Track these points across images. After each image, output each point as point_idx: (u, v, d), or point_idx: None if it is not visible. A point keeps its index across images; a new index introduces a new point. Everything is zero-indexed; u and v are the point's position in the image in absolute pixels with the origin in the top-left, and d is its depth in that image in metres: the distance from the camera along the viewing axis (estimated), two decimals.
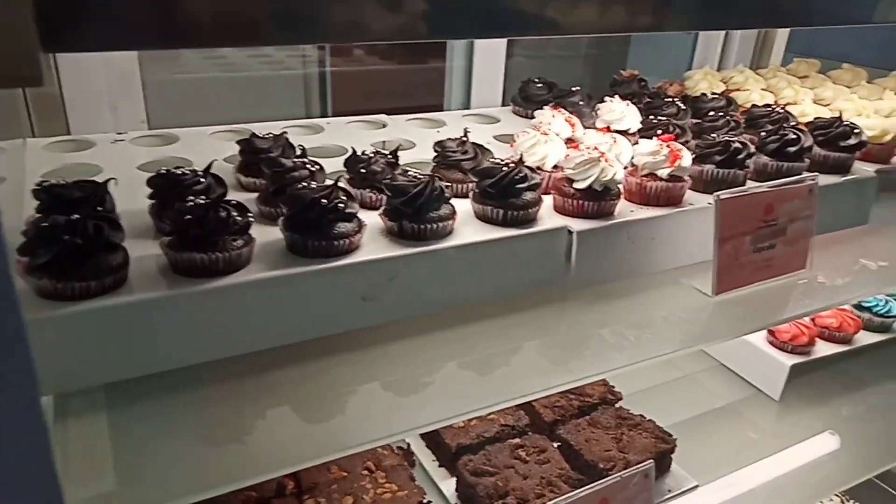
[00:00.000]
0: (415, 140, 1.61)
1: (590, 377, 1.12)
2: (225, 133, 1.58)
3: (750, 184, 1.39)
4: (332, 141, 1.59)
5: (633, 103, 1.69)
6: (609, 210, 1.23)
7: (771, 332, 1.92)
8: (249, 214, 0.98)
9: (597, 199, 1.20)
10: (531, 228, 1.16)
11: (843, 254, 1.55)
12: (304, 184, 1.02)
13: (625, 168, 1.34)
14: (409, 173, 1.11)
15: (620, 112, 1.57)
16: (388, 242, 1.08)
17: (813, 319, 1.99)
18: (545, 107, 1.57)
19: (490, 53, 2.15)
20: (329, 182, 1.05)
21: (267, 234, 1.06)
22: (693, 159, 1.37)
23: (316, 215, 0.99)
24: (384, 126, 1.73)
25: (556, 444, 1.59)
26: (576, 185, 1.20)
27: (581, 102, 1.69)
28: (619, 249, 1.24)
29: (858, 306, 2.04)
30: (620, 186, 1.31)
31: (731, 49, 2.66)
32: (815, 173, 1.29)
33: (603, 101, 1.62)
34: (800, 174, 1.38)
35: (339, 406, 1.00)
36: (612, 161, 1.21)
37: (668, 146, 1.27)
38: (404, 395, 1.04)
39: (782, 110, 1.58)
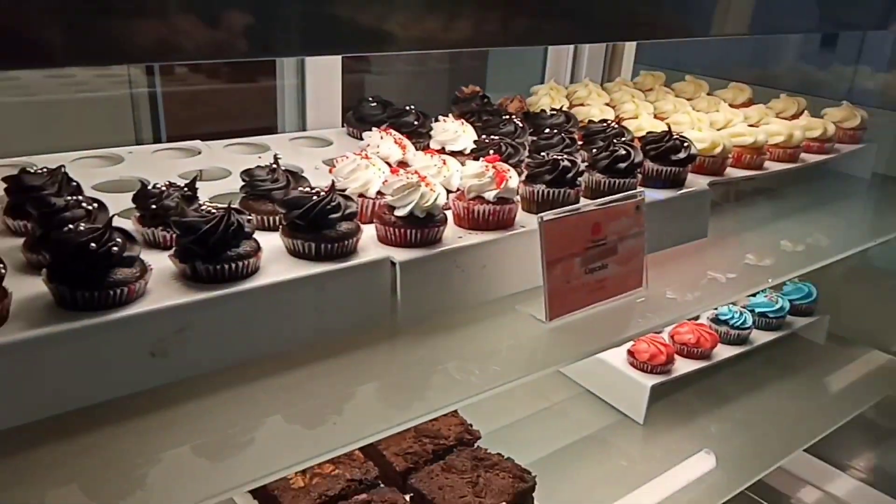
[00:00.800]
0: (231, 168, 1.58)
1: (422, 417, 1.13)
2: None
3: (585, 201, 1.47)
4: (134, 173, 1.53)
5: (472, 122, 1.76)
6: (435, 237, 1.26)
7: (630, 353, 2.03)
8: (1, 266, 0.92)
9: (420, 226, 1.23)
10: (348, 262, 1.16)
11: (687, 268, 1.67)
12: (71, 227, 0.97)
13: (457, 191, 1.39)
14: (203, 208, 1.08)
15: (454, 132, 1.62)
16: (179, 287, 1.04)
17: (672, 336, 2.13)
18: (374, 128, 1.59)
19: (323, 71, 2.15)
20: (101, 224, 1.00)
21: (33, 287, 0.99)
22: (524, 179, 1.44)
23: (84, 262, 0.94)
24: (199, 153, 1.69)
25: (408, 496, 1.59)
26: (397, 213, 1.22)
27: (416, 122, 1.73)
28: (448, 279, 1.27)
29: (715, 320, 2.20)
30: (449, 212, 1.36)
31: (581, 63, 2.83)
32: (641, 189, 1.38)
33: (436, 121, 1.66)
34: (633, 189, 1.48)
35: (131, 481, 0.94)
36: (433, 185, 1.24)
37: (493, 167, 1.32)
38: (216, 457, 1.00)
39: (617, 125, 1.70)
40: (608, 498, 1.83)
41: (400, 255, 1.21)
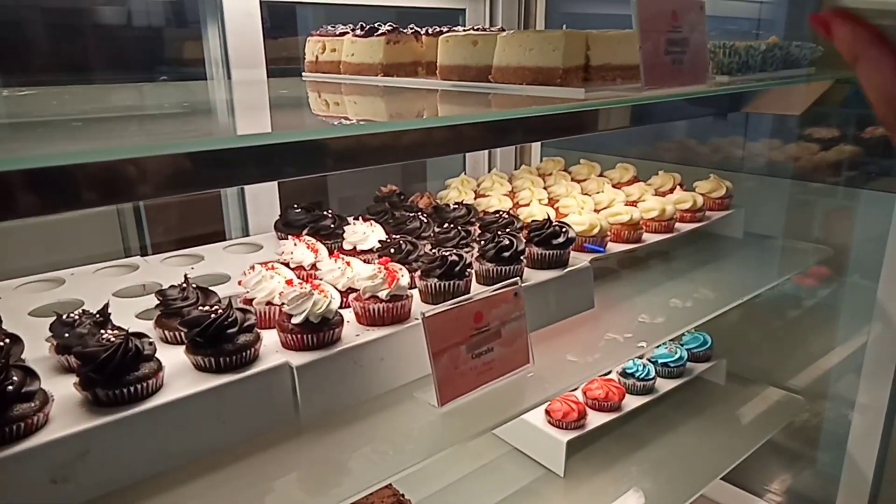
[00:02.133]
0: (163, 282, 1.54)
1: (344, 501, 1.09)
2: None
3: (477, 288, 1.46)
4: (72, 295, 1.49)
5: (386, 219, 1.76)
6: (333, 338, 1.24)
7: (547, 412, 2.00)
8: None
9: (316, 331, 1.20)
10: (248, 371, 1.13)
11: (583, 335, 1.66)
12: None
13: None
14: (105, 336, 1.04)
15: (363, 233, 1.62)
16: (81, 414, 1.00)
17: (584, 393, 2.10)
18: (289, 236, 1.58)
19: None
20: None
21: None
22: (419, 274, 1.43)
23: None
24: (137, 269, 1.66)
25: None
26: (293, 320, 1.20)
27: (332, 225, 1.73)
28: (347, 375, 1.24)
29: (623, 373, 2.19)
30: (350, 311, 1.34)
31: (496, 153, 2.88)
32: (517, 278, 1.38)
33: (347, 223, 1.66)
34: (518, 275, 1.48)
35: None
36: (326, 291, 1.22)
37: (385, 268, 1.32)
38: None
39: (508, 216, 1.71)
40: None
41: (298, 359, 1.18)
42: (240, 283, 1.34)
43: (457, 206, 1.85)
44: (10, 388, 0.92)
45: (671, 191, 2.17)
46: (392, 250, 1.50)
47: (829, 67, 1.94)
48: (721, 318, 1.87)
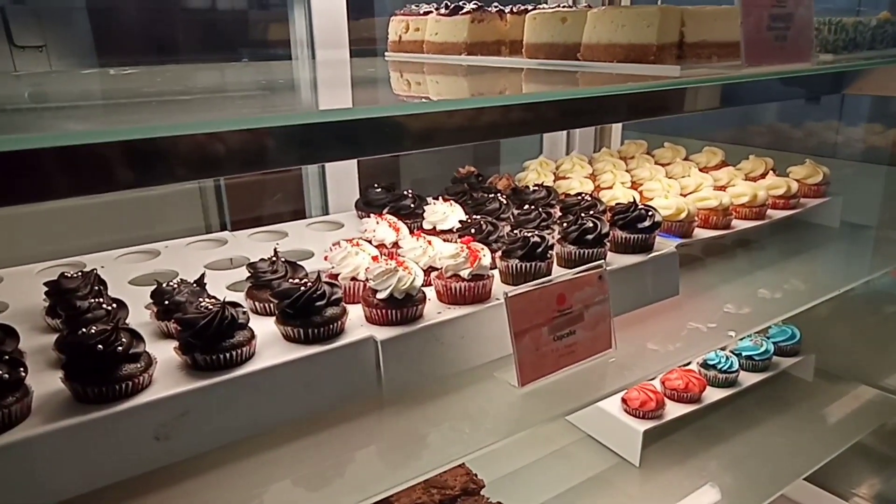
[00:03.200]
0: (251, 256, 1.60)
1: (420, 476, 1.11)
2: (50, 270, 1.53)
3: (560, 270, 1.45)
4: (168, 266, 1.57)
5: (464, 200, 1.76)
6: (416, 315, 1.25)
7: (623, 401, 1.97)
8: (21, 369, 0.94)
9: (400, 307, 1.22)
10: (335, 343, 1.16)
11: (666, 323, 1.62)
12: (84, 330, 0.99)
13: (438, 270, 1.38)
14: (203, 304, 1.10)
15: (443, 213, 1.63)
16: (180, 377, 1.05)
17: (663, 383, 2.05)
18: (372, 215, 1.61)
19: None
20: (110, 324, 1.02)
21: (57, 383, 1.02)
22: (500, 255, 1.43)
23: (92, 362, 0.96)
24: (225, 243, 1.73)
25: None
26: (378, 296, 1.22)
27: (412, 205, 1.74)
28: (428, 351, 1.25)
29: (704, 365, 2.12)
30: (431, 289, 1.35)
31: (574, 135, 2.83)
32: (601, 261, 1.35)
33: (426, 203, 1.67)
34: (602, 259, 1.45)
35: None
36: (411, 269, 1.24)
37: (467, 248, 1.32)
38: None
39: (591, 198, 1.68)
40: None
41: (382, 333, 1.21)
42: (325, 258, 1.38)
43: (536, 187, 1.84)
44: (120, 348, 0.98)
45: (762, 176, 2.08)
46: (473, 230, 1.50)
47: None
48: (811, 312, 1.78)
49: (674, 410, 2.00)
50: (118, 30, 2.32)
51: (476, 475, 1.78)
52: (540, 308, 1.24)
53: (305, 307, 1.15)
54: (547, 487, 1.91)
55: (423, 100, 1.20)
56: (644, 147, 2.40)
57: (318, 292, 1.16)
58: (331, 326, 1.16)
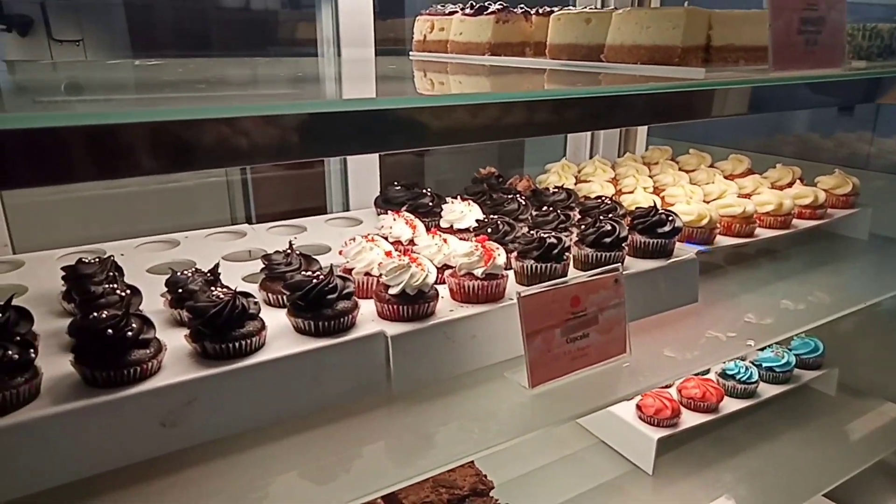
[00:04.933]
0: (269, 249, 1.60)
1: (426, 473, 1.09)
2: (71, 255, 1.54)
3: (575, 273, 1.42)
4: (185, 256, 1.57)
5: (484, 200, 1.74)
6: (428, 311, 1.23)
7: (638, 407, 1.92)
8: (31, 350, 0.94)
9: (412, 303, 1.20)
10: (345, 337, 1.15)
11: (684, 330, 1.57)
12: (95, 314, 0.99)
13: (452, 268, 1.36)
14: (215, 293, 1.09)
15: (461, 212, 1.61)
16: (190, 364, 1.04)
17: (679, 391, 2.00)
18: (389, 211, 1.60)
19: (362, 157, 2.18)
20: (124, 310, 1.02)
21: (66, 366, 1.01)
22: (516, 255, 1.40)
23: (102, 346, 0.96)
24: (244, 236, 1.73)
25: None
26: (390, 291, 1.20)
27: (430, 203, 1.73)
28: (439, 349, 1.23)
29: (722, 374, 2.07)
30: (444, 287, 1.33)
31: (598, 139, 2.78)
32: (617, 265, 1.32)
33: (445, 202, 1.65)
34: (619, 262, 1.42)
35: None
36: (423, 265, 1.22)
37: (482, 246, 1.30)
38: None
39: (610, 201, 1.64)
40: None
41: (393, 328, 1.19)
42: (340, 252, 1.36)
43: (556, 189, 1.80)
44: (130, 333, 0.97)
45: (789, 185, 2.02)
46: (489, 230, 1.48)
47: None
48: (836, 325, 1.72)
49: (690, 419, 1.96)
50: (153, 26, 2.35)
51: (486, 476, 1.75)
52: (553, 309, 1.21)
53: (317, 300, 1.13)
54: (557, 492, 1.88)
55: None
56: (668, 153, 2.35)
57: (330, 285, 1.14)
58: (342, 320, 1.15)
